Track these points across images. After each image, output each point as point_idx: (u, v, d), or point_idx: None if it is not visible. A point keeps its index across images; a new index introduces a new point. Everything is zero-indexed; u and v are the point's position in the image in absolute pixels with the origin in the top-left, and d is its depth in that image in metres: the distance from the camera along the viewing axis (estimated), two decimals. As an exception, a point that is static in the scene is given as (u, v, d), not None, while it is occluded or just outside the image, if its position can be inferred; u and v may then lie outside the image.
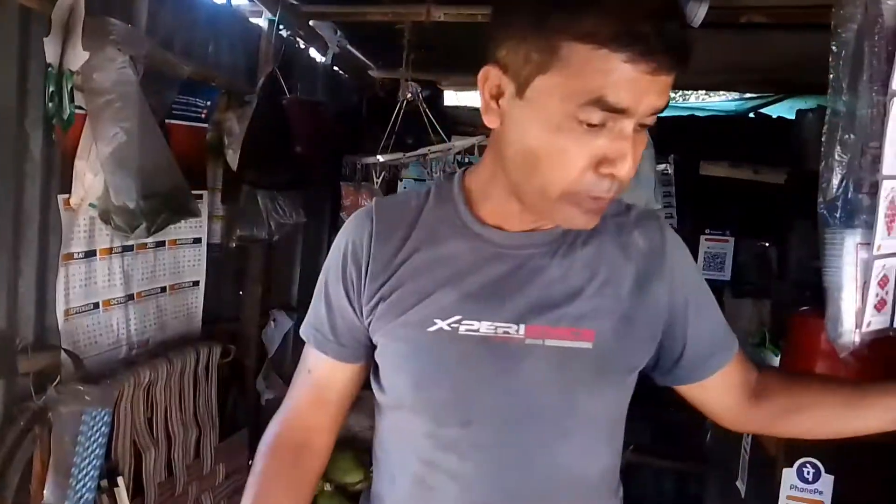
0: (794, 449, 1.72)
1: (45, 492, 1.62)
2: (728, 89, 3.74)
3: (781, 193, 3.01)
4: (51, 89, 1.63)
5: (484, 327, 0.91)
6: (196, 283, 2.34)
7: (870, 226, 1.11)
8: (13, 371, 1.62)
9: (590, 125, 0.78)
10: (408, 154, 2.69)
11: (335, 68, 3.23)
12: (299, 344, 1.10)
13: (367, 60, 3.30)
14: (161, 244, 2.15)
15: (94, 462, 1.71)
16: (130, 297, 2.02)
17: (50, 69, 1.63)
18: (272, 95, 2.42)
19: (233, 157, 2.32)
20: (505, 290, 0.92)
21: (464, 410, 0.92)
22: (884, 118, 1.10)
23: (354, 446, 2.57)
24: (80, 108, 1.70)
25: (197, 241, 2.32)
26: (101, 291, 1.90)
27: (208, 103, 2.24)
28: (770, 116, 3.51)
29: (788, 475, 1.70)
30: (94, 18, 1.65)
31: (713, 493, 2.60)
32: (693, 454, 3.05)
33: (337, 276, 0.99)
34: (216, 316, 2.51)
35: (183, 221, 2.09)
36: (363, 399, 1.07)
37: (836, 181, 1.14)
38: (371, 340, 0.99)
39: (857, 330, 1.13)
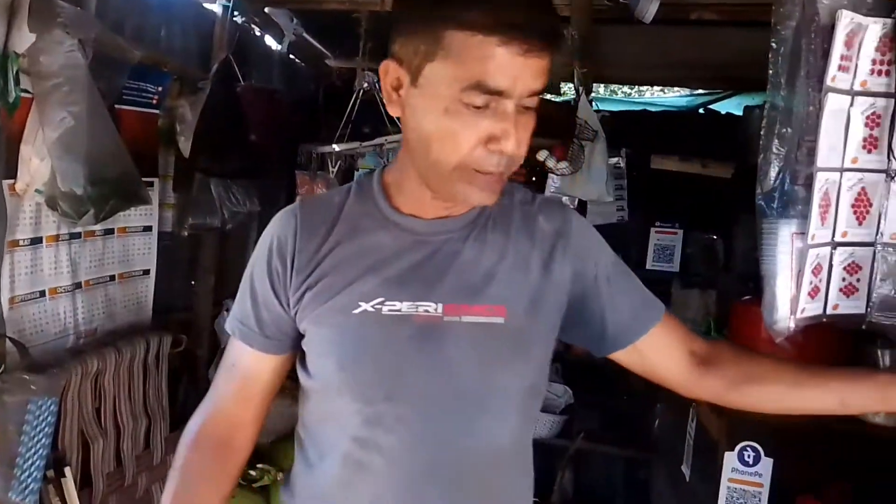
0: (736, 433, 1.78)
1: (-11, 482, 1.59)
2: (679, 85, 3.82)
3: (729, 187, 3.10)
4: (-5, 71, 1.59)
5: (405, 307, 0.96)
6: (146, 272, 2.30)
7: (805, 216, 1.17)
8: (-45, 360, 1.58)
9: (474, 107, 0.85)
10: (364, 143, 2.69)
11: (291, 56, 3.20)
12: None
13: (323, 49, 3.28)
14: (110, 232, 2.11)
15: (41, 452, 1.67)
16: (78, 285, 1.98)
17: (-6, 51, 1.59)
18: (226, 82, 2.39)
19: (185, 145, 2.29)
20: (424, 273, 0.98)
21: (387, 386, 0.96)
22: (819, 113, 1.16)
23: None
24: (27, 91, 1.65)
25: (147, 229, 2.28)
26: (48, 279, 1.86)
27: (160, 89, 2.21)
28: (719, 112, 3.61)
29: (730, 459, 1.77)
30: (42, 0, 1.61)
31: (660, 478, 2.67)
32: (641, 441, 3.13)
33: (262, 270, 1.03)
34: (168, 305, 2.47)
35: (133, 209, 2.06)
36: None
37: (773, 173, 1.19)
38: (296, 331, 1.03)
39: (792, 316, 1.19)
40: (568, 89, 3.76)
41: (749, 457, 1.74)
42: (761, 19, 2.31)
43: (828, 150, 1.16)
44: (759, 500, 1.72)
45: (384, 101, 0.96)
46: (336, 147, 2.73)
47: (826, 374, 1.05)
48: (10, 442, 1.61)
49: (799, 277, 1.17)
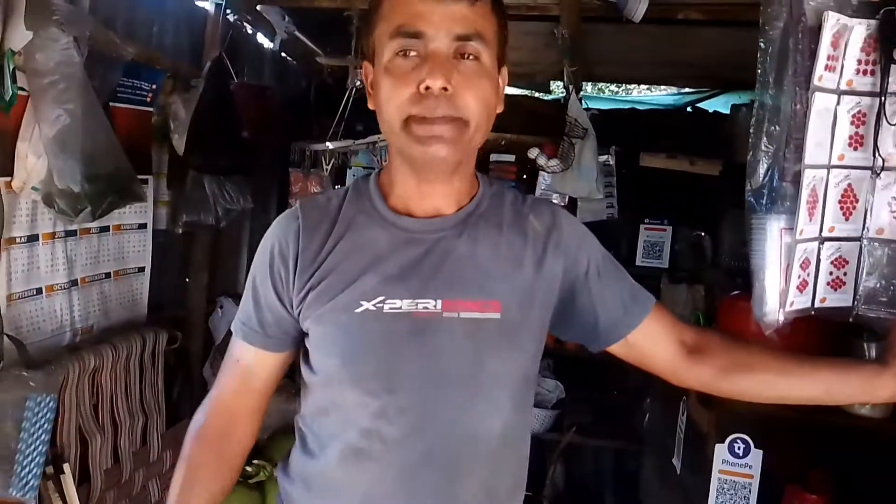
0: (725, 426, 1.82)
1: (-12, 478, 1.60)
2: (666, 84, 3.86)
3: (716, 184, 3.14)
4: (-9, 69, 1.59)
5: (405, 304, 1.00)
6: (141, 269, 2.31)
7: (793, 212, 1.20)
8: (-47, 357, 1.58)
9: (403, 55, 0.95)
10: (357, 141, 2.70)
11: (283, 54, 3.21)
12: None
13: (315, 47, 3.28)
14: (105, 229, 2.12)
15: (39, 448, 1.68)
16: (74, 282, 1.99)
17: (-10, 49, 1.59)
18: (219, 79, 2.39)
19: (179, 142, 2.30)
20: (421, 271, 1.02)
21: (388, 380, 1.00)
22: (806, 111, 1.19)
23: (300, 431, 2.59)
24: (22, 89, 1.66)
25: (142, 226, 2.29)
26: (45, 276, 1.87)
27: (153, 86, 2.21)
28: (706, 111, 3.65)
29: (720, 451, 1.80)
30: (37, -3, 1.62)
31: (650, 471, 2.71)
32: (631, 434, 3.17)
33: (265, 274, 1.07)
34: (162, 302, 2.48)
35: (128, 207, 2.07)
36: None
37: (762, 170, 1.23)
38: (298, 330, 1.08)
39: (781, 310, 1.22)
40: (558, 87, 3.80)
41: (739, 449, 1.77)
42: (747, 19, 2.37)
43: (815, 147, 1.19)
44: (750, 491, 1.76)
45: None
46: (329, 145, 2.74)
47: (814, 363, 1.09)
48: (9, 438, 1.63)
49: (787, 272, 1.20)
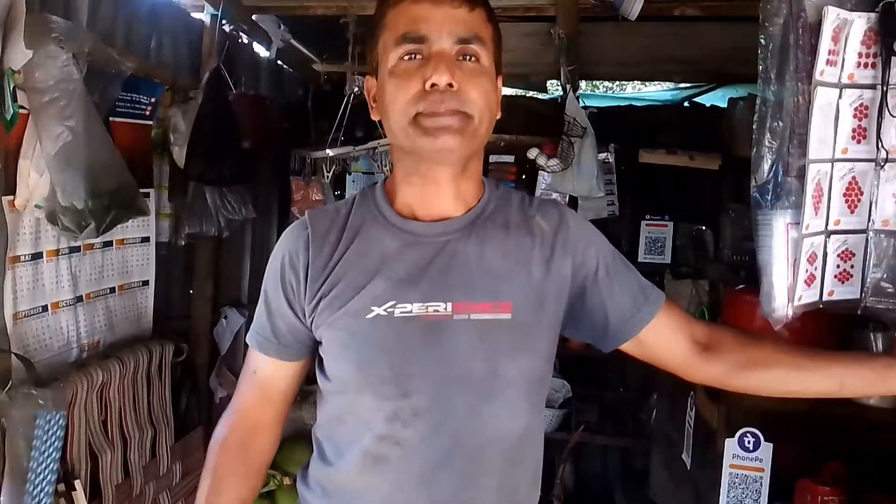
0: (735, 420, 1.82)
1: (1, 497, 1.59)
2: (663, 80, 3.87)
3: (716, 178, 3.15)
4: (-8, 88, 1.60)
5: (416, 308, 1.01)
6: (146, 283, 2.31)
7: (798, 207, 1.20)
8: (-38, 377, 1.58)
9: (408, 57, 0.98)
10: (358, 147, 2.71)
11: (279, 62, 3.21)
12: (248, 341, 1.20)
13: (311, 54, 3.29)
14: (108, 244, 2.12)
15: (51, 465, 1.68)
16: (79, 298, 1.99)
17: (-10, 68, 1.59)
18: (217, 90, 2.40)
19: (179, 154, 2.30)
20: (431, 274, 1.03)
21: (402, 383, 1.01)
22: (809, 106, 1.19)
23: (307, 439, 2.59)
24: (23, 107, 1.66)
25: (145, 240, 2.29)
26: (50, 293, 1.87)
27: (152, 100, 2.22)
28: (703, 105, 3.65)
29: (730, 445, 1.80)
30: (35, 15, 1.62)
31: (660, 467, 2.71)
32: (638, 431, 3.17)
33: (276, 285, 1.09)
34: (167, 314, 2.48)
35: (131, 220, 2.06)
36: (314, 394, 1.14)
37: (766, 166, 1.23)
38: (311, 339, 1.09)
39: (790, 304, 1.23)
40: (555, 87, 3.80)
41: (749, 443, 1.77)
42: (742, 14, 2.38)
43: (818, 142, 1.19)
44: (761, 485, 1.76)
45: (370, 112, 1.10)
46: (330, 152, 2.74)
47: (826, 358, 1.09)
48: (21, 457, 1.63)
49: (795, 266, 1.20)
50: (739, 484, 1.78)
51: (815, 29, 1.17)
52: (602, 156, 3.04)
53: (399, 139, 1.02)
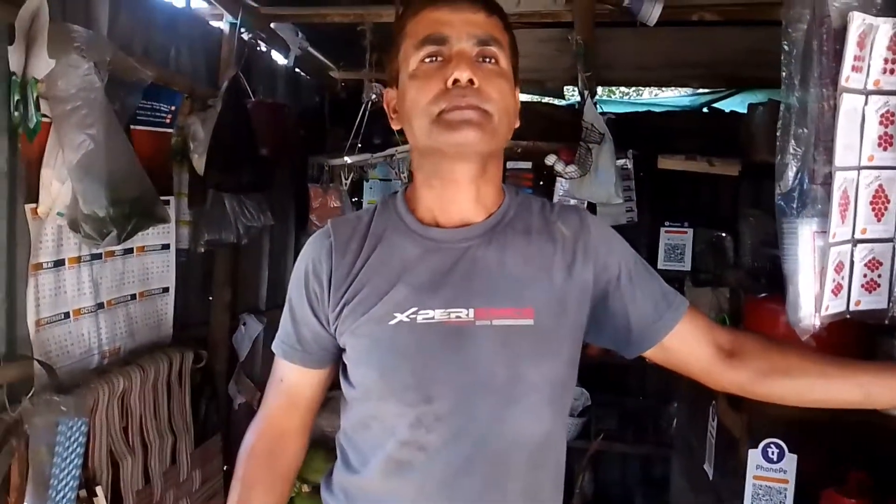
0: (758, 430, 1.79)
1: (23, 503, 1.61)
2: (682, 85, 3.84)
3: (736, 184, 3.12)
4: (15, 98, 1.61)
5: (438, 314, 1.02)
6: (166, 290, 2.32)
7: (824, 214, 1.18)
8: (-15, 384, 1.60)
9: (430, 60, 1.01)
10: (375, 155, 2.71)
11: (297, 70, 3.23)
12: (269, 348, 1.20)
13: (328, 62, 3.30)
14: (129, 251, 2.14)
15: (73, 472, 1.69)
16: (100, 305, 2.00)
17: (14, 77, 1.61)
18: (236, 98, 2.41)
19: (199, 162, 2.31)
20: (452, 280, 1.04)
21: (425, 389, 1.01)
22: (834, 112, 1.17)
23: (328, 446, 2.59)
24: (45, 116, 1.68)
25: (165, 247, 2.31)
26: (71, 300, 1.88)
27: (172, 108, 2.23)
28: (723, 111, 3.62)
29: (754, 456, 1.77)
30: (57, 25, 1.63)
31: (680, 476, 2.68)
32: (658, 439, 3.14)
33: (300, 293, 1.11)
34: (186, 321, 2.49)
35: (151, 228, 2.08)
36: (332, 400, 1.15)
37: (791, 174, 1.21)
38: (335, 346, 1.10)
39: (817, 314, 1.21)
40: (571, 92, 3.79)
41: (773, 453, 1.75)
42: (762, 18, 2.36)
43: (844, 149, 1.17)
44: (785, 497, 1.73)
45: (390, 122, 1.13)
46: (348, 159, 2.75)
47: (852, 367, 1.07)
48: (43, 463, 1.64)
49: (822, 275, 1.18)
50: (763, 496, 1.75)
51: (840, 34, 1.16)
52: (620, 162, 3.02)
53: (421, 140, 1.03)
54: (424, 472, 1.02)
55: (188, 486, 2.26)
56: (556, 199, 3.22)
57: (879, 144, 1.20)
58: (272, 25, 2.75)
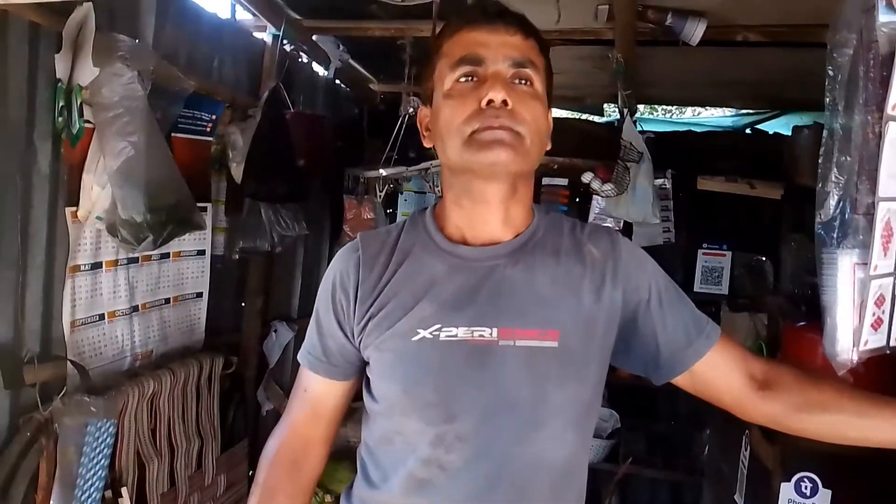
0: (791, 462, 1.74)
1: (50, 502, 1.63)
2: (724, 105, 3.79)
3: (778, 208, 3.05)
4: (60, 104, 1.66)
5: (461, 332, 1.01)
6: (199, 295, 2.35)
7: (866, 246, 1.14)
8: (19, 382, 1.63)
9: (465, 79, 1.02)
10: (410, 168, 2.72)
11: (337, 81, 3.26)
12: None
13: (368, 74, 3.33)
14: (165, 256, 2.17)
15: (99, 473, 1.72)
16: (135, 308, 2.03)
17: (59, 84, 1.65)
18: (275, 109, 2.44)
19: (237, 170, 2.35)
20: (478, 299, 1.03)
21: (447, 408, 1.01)
22: (879, 141, 1.13)
23: (350, 457, 2.58)
24: (88, 122, 1.72)
25: (201, 253, 2.34)
26: (107, 303, 1.92)
27: (213, 117, 2.27)
28: (766, 132, 3.55)
29: (786, 490, 1.72)
30: (103, 34, 1.67)
31: (710, 506, 2.62)
32: (689, 466, 3.07)
33: (327, 306, 1.11)
34: (218, 327, 2.52)
35: (187, 234, 2.11)
36: (358, 411, 1.15)
37: (832, 202, 1.17)
38: (360, 359, 1.11)
39: (855, 348, 1.16)
40: (611, 110, 3.76)
41: (806, 488, 1.69)
42: (805, 40, 2.31)
43: (889, 179, 1.13)
44: (818, 534, 1.67)
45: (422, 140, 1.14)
46: (383, 171, 2.76)
47: (891, 405, 1.03)
48: (70, 463, 1.66)
49: (861, 309, 1.13)
50: (795, 531, 1.70)
51: (888, 61, 1.12)
52: (659, 181, 2.99)
53: (452, 159, 1.03)
54: (445, 492, 1.01)
55: (213, 490, 2.28)
56: (591, 217, 3.19)
57: (926, 175, 1.16)
58: (314, 38, 2.78)
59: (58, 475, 1.64)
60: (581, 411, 1.05)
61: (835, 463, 1.67)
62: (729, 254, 3.22)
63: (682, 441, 3.21)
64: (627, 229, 3.06)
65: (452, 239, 1.08)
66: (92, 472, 1.70)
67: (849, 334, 1.15)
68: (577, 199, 3.35)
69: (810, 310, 2.44)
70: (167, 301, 2.20)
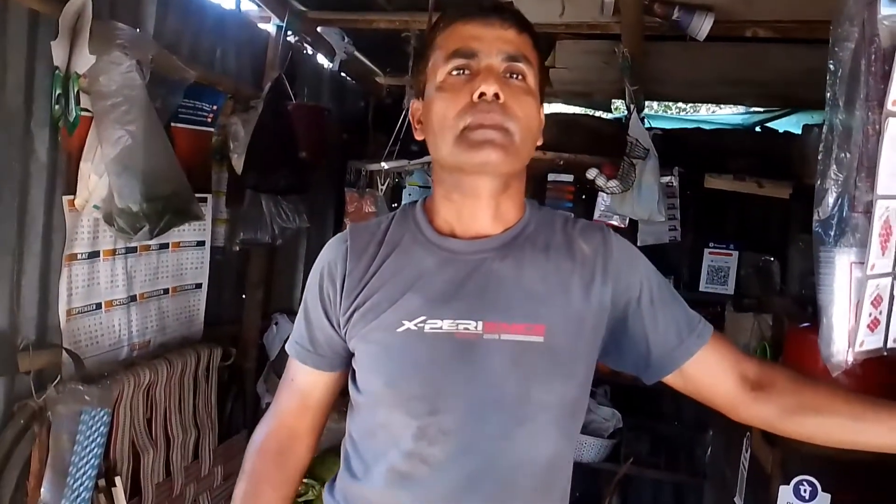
0: (791, 465, 1.71)
1: (41, 490, 1.63)
2: (733, 102, 3.74)
3: (786, 207, 3.00)
4: (57, 92, 1.65)
5: (446, 325, 1.01)
6: (199, 286, 2.35)
7: (864, 245, 1.11)
8: (14, 369, 1.63)
9: (457, 72, 1.01)
10: (413, 161, 2.70)
11: (342, 74, 3.25)
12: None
13: (373, 67, 3.32)
14: (164, 246, 2.17)
15: (92, 461, 1.72)
16: (133, 298, 2.03)
17: (57, 72, 1.65)
18: (278, 100, 2.43)
19: (238, 161, 2.34)
20: (464, 292, 1.02)
21: (431, 401, 1.00)
22: (879, 137, 1.10)
23: (346, 450, 2.58)
24: (86, 110, 1.71)
25: (200, 244, 2.34)
26: (104, 292, 1.92)
27: (214, 107, 2.26)
28: (776, 130, 3.51)
29: (785, 493, 1.70)
30: (101, 23, 1.67)
31: (711, 507, 2.60)
32: (691, 467, 3.04)
33: (315, 296, 1.11)
34: (217, 318, 2.52)
35: (187, 224, 2.11)
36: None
37: (831, 200, 1.14)
38: (347, 350, 1.10)
39: (850, 349, 1.13)
40: (618, 106, 3.73)
41: (805, 491, 1.67)
42: (815, 37, 2.27)
43: (888, 177, 1.10)
44: (816, 538, 1.65)
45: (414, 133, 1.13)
46: (385, 165, 2.75)
47: (887, 409, 1.00)
48: (63, 451, 1.67)
49: (857, 309, 1.11)
50: (793, 535, 1.67)
51: (890, 55, 1.09)
52: (665, 179, 2.95)
53: (443, 155, 1.02)
54: (427, 486, 1.01)
55: (209, 481, 2.28)
56: (597, 214, 3.17)
57: (927, 173, 1.13)
58: (319, 29, 2.77)
59: (50, 462, 1.64)
60: (567, 409, 1.04)
61: (834, 466, 1.64)
62: (735, 253, 3.18)
63: (685, 442, 3.18)
64: (634, 227, 3.03)
65: (442, 232, 1.08)
66: (85, 460, 1.70)
67: (844, 335, 1.12)
68: (584, 196, 3.32)
69: (816, 311, 2.41)
70: (166, 291, 2.20)
